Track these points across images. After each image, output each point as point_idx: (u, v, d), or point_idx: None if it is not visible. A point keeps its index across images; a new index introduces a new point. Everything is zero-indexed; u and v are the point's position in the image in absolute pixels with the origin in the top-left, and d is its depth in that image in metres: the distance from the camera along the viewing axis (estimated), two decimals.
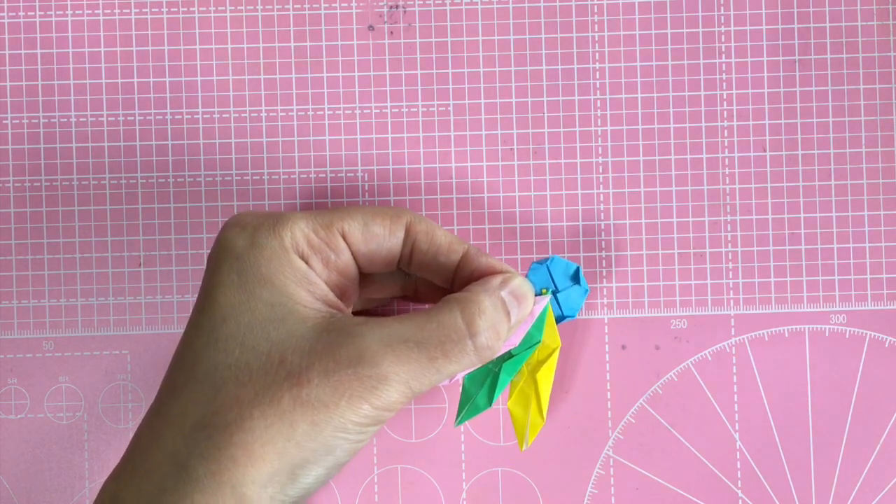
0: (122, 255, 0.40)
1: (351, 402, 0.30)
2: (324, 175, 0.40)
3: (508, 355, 0.35)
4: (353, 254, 0.33)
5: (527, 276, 0.36)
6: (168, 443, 0.30)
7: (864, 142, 0.40)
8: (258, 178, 0.40)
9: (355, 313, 0.36)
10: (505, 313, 0.33)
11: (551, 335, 0.36)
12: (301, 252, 0.32)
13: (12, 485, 0.39)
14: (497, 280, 0.33)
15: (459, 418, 0.35)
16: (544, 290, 0.36)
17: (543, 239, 0.39)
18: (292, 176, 0.40)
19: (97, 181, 0.40)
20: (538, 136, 0.40)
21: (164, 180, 0.40)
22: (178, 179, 0.40)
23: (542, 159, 0.40)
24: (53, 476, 0.39)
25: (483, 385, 0.35)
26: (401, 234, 0.34)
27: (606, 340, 0.39)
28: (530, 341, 0.35)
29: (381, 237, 0.33)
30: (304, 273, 0.32)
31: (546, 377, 0.36)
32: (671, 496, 0.39)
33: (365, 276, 0.35)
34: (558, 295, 0.37)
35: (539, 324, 0.35)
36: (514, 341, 0.35)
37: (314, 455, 0.30)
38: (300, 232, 0.32)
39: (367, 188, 0.40)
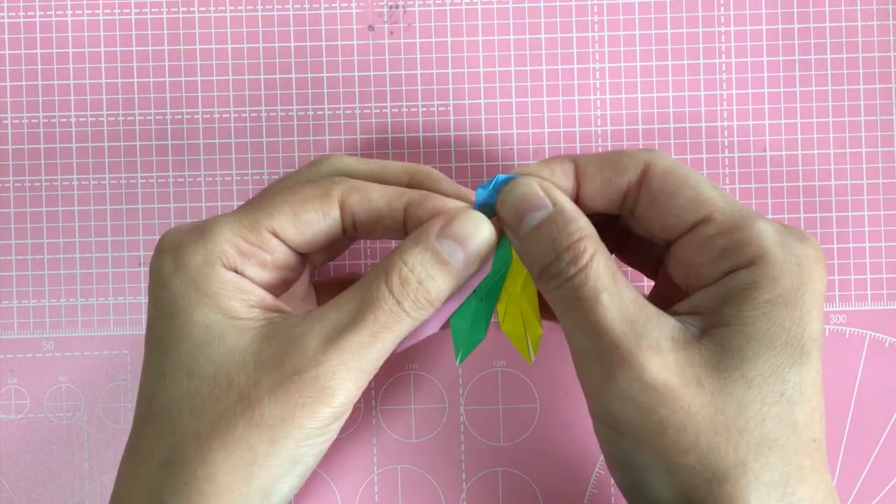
0: (122, 255, 0.40)
1: (306, 410, 0.29)
2: None
3: (484, 283, 0.33)
4: (289, 246, 0.32)
5: (475, 206, 0.32)
6: (142, 480, 0.30)
7: (864, 142, 0.40)
8: (258, 178, 0.40)
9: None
10: (438, 264, 0.30)
11: None
12: (231, 264, 0.30)
13: (12, 485, 0.39)
14: (434, 227, 0.31)
15: (459, 357, 0.34)
16: None
17: None
18: None
19: (97, 181, 0.40)
20: (538, 136, 0.40)
21: (164, 180, 0.40)
22: (178, 179, 0.40)
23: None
24: (53, 476, 0.39)
25: (470, 319, 0.33)
26: (336, 213, 0.31)
27: None
28: (501, 263, 0.33)
29: (315, 223, 0.31)
30: (235, 284, 0.30)
31: (530, 294, 0.34)
32: None
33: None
34: None
35: (505, 244, 0.33)
36: (486, 269, 0.33)
37: (281, 470, 0.29)
38: (226, 242, 0.30)
39: None
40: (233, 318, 0.30)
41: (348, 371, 0.29)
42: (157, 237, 0.39)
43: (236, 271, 0.31)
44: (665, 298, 0.32)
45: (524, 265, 0.32)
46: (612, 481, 0.39)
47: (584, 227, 0.30)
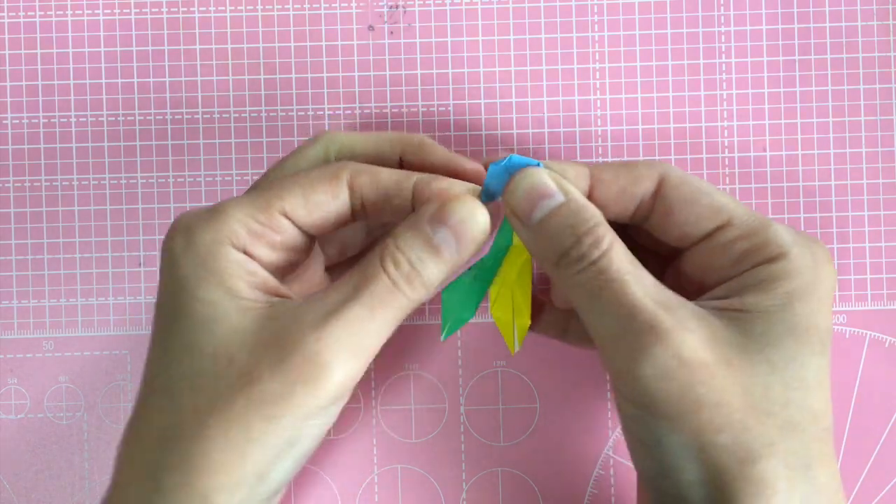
0: (122, 255, 0.40)
1: (307, 387, 0.29)
2: None
3: (481, 263, 0.34)
4: (298, 227, 0.32)
5: (485, 182, 0.32)
6: (139, 455, 0.30)
7: (864, 142, 0.40)
8: (258, 177, 0.40)
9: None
10: (428, 250, 0.30)
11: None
12: (240, 244, 0.31)
13: (12, 485, 0.39)
14: (426, 212, 0.31)
15: (445, 332, 0.34)
16: None
17: None
18: None
19: (97, 181, 0.40)
20: (538, 136, 0.40)
21: (164, 180, 0.40)
22: (178, 179, 0.40)
23: (542, 159, 0.40)
24: (53, 476, 0.39)
25: (461, 297, 0.34)
26: (344, 194, 0.32)
27: None
28: (500, 246, 0.33)
29: (324, 203, 0.31)
30: (242, 264, 0.31)
31: (524, 284, 0.34)
32: None
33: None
34: None
35: (505, 228, 0.33)
36: (483, 249, 0.32)
37: (277, 450, 0.29)
38: (237, 223, 0.31)
39: None
40: (236, 297, 0.30)
41: (348, 347, 0.29)
42: (158, 237, 0.39)
43: (245, 251, 0.31)
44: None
45: (535, 254, 0.31)
46: (613, 481, 0.39)
47: (597, 215, 0.31)
